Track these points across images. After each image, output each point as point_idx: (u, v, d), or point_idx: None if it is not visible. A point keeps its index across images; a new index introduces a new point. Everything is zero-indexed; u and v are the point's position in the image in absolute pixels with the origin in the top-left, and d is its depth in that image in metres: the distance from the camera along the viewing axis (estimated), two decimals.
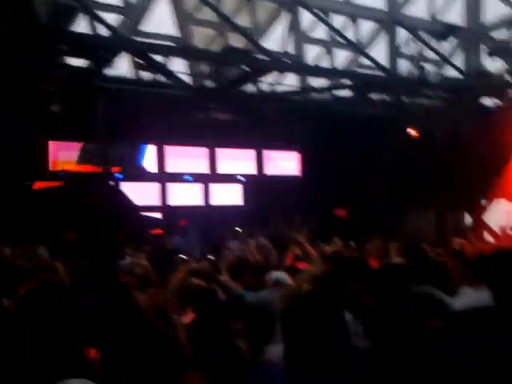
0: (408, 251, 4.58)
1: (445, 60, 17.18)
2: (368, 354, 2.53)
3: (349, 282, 3.75)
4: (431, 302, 2.58)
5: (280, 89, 15.74)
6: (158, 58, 13.53)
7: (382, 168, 16.33)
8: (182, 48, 14.70)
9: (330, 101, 16.13)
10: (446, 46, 17.34)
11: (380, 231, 11.08)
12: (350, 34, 16.23)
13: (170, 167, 16.38)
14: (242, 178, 16.66)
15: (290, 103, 15.43)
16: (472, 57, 17.91)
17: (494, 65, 17.22)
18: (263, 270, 5.23)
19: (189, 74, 15.06)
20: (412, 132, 15.95)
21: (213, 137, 16.00)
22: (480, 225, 17.36)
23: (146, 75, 13.96)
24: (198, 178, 16.57)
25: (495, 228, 16.89)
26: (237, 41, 14.56)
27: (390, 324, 2.56)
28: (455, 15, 17.56)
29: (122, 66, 13.78)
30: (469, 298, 4.51)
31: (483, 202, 17.76)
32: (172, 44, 14.86)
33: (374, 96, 15.88)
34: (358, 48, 16.07)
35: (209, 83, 14.77)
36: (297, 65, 15.49)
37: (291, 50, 15.94)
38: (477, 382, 2.02)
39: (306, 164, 17.85)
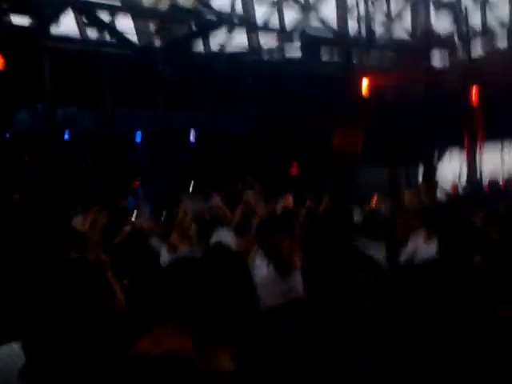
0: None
1: (393, 20, 17.32)
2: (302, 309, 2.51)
3: (278, 237, 3.71)
4: (360, 256, 2.51)
5: (229, 49, 15.62)
6: (105, 17, 13.26)
7: (331, 125, 16.39)
8: (129, 6, 14.41)
9: (280, 61, 16.09)
10: (395, 6, 17.49)
11: (333, 188, 11.14)
12: None
13: (122, 127, 16.11)
14: (194, 138, 16.53)
15: (240, 63, 15.34)
16: (419, 16, 18.09)
17: (441, 24, 17.47)
18: (209, 230, 5.19)
19: (136, 33, 14.80)
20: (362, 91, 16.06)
21: (163, 97, 15.77)
22: (433, 176, 17.77)
23: (92, 34, 13.66)
24: (150, 139, 16.35)
25: (448, 179, 17.28)
26: None
27: (322, 280, 2.52)
28: None
29: (68, 25, 13.45)
30: (422, 250, 4.58)
31: (436, 153, 18.19)
32: (118, 3, 14.54)
33: (324, 56, 15.91)
34: (307, 7, 16.03)
35: (156, 42, 14.56)
36: (245, 23, 15.38)
37: (240, 8, 15.80)
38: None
39: (258, 123, 17.80)
